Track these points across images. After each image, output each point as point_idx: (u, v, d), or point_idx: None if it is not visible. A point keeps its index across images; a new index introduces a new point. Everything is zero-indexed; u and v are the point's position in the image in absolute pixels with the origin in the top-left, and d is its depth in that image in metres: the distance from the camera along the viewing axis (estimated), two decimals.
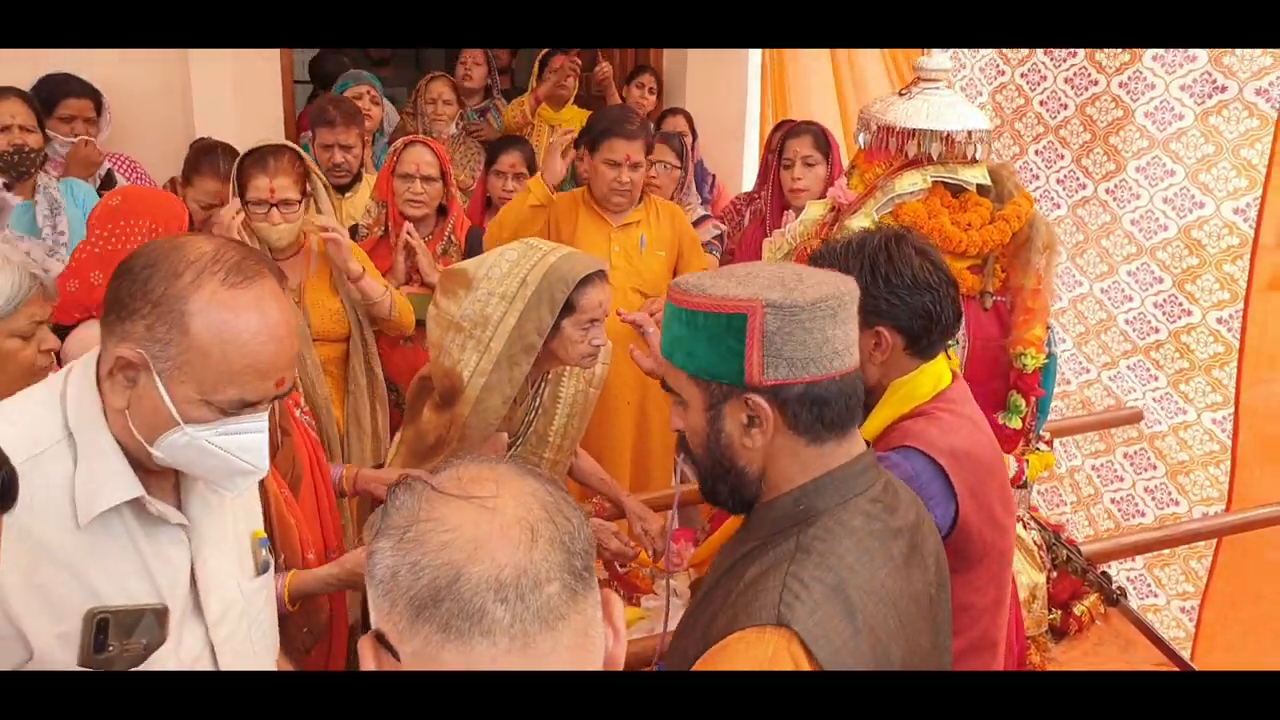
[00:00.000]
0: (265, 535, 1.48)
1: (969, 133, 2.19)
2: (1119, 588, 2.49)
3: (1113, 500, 3.68)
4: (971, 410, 1.75)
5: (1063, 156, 3.62)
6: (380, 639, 0.78)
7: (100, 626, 1.22)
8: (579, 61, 4.44)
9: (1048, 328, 2.27)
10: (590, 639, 0.80)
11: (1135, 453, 3.57)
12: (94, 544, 1.22)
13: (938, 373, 1.73)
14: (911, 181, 2.20)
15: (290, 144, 2.67)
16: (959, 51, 3.87)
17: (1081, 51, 3.49)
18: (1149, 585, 3.54)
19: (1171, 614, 3.51)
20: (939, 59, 2.26)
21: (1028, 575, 2.37)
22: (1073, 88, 3.56)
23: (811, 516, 1.18)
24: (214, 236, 1.28)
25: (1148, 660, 2.40)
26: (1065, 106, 3.60)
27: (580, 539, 0.80)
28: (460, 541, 0.75)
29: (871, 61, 4.39)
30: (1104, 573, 2.46)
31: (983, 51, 3.86)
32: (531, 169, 3.52)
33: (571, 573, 0.78)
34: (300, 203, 2.66)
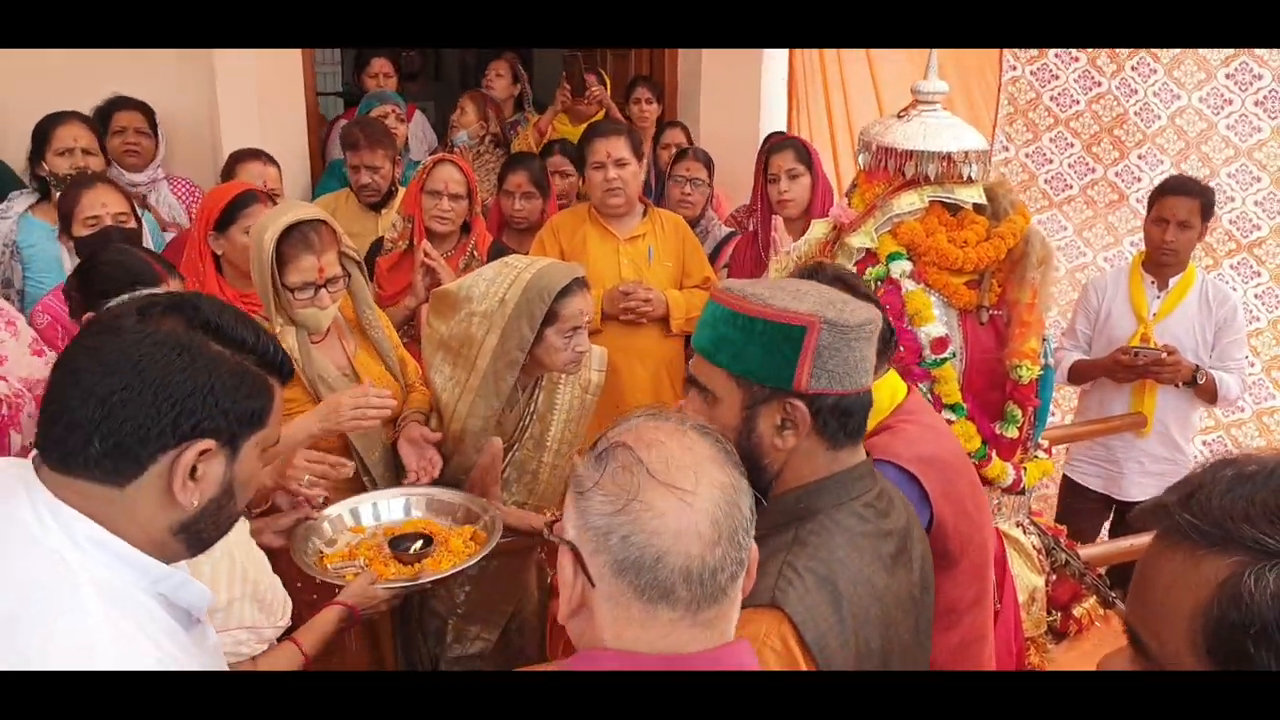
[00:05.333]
0: None
1: (965, 153, 2.29)
2: (1117, 591, 2.57)
3: None
4: (931, 418, 1.87)
5: (1162, 162, 3.85)
6: (579, 561, 0.99)
7: None
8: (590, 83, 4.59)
9: (1043, 340, 2.36)
10: (736, 602, 1.02)
11: (1213, 440, 3.79)
12: None
13: (892, 387, 1.84)
14: (909, 201, 2.29)
15: (320, 213, 2.32)
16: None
17: (1161, 68, 3.78)
18: None
19: None
20: (935, 81, 2.35)
21: (1027, 579, 2.45)
22: (1161, 100, 3.82)
23: (809, 514, 1.30)
24: None
25: None
26: (1158, 118, 3.85)
27: (749, 524, 1.01)
28: (666, 531, 0.95)
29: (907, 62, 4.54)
30: (1101, 575, 2.53)
31: (1076, 64, 4.10)
32: (539, 187, 3.63)
33: (737, 562, 0.99)
34: (344, 278, 2.33)
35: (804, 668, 1.17)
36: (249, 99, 3.99)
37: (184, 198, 3.74)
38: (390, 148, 3.64)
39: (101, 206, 2.75)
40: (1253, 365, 3.65)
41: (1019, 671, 1.79)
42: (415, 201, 3.21)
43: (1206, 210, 3.15)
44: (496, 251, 3.31)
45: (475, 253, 3.30)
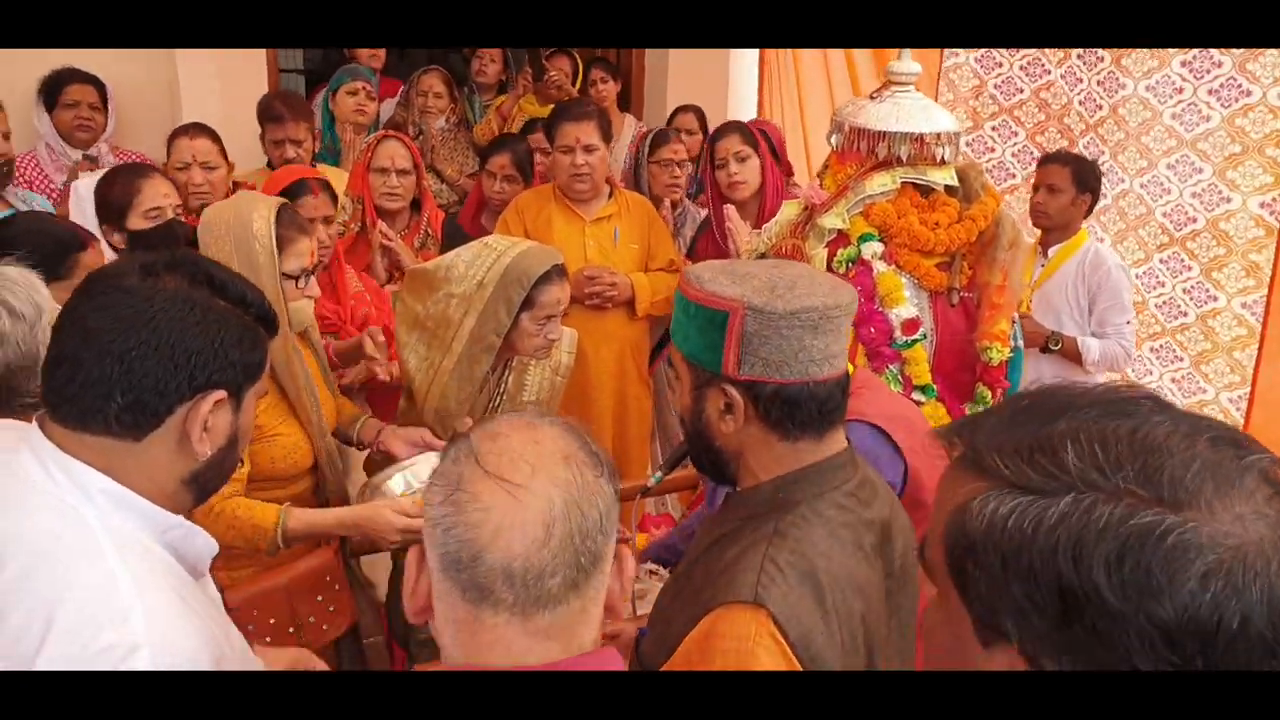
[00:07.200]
0: None
1: (938, 135, 2.27)
2: None
3: None
4: (881, 385, 1.90)
5: (1103, 153, 3.83)
6: (423, 554, 0.93)
7: None
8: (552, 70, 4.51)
9: (1012, 322, 2.35)
10: (588, 611, 0.91)
11: None
12: None
13: None
14: (881, 183, 2.27)
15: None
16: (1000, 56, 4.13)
17: (1108, 56, 3.75)
18: None
19: None
20: (909, 63, 2.34)
21: None
22: (1104, 89, 3.81)
23: (789, 505, 1.27)
24: None
25: None
26: (1100, 107, 3.84)
27: (596, 531, 0.89)
28: (487, 525, 0.86)
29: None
30: None
31: (1022, 52, 4.09)
32: (521, 170, 3.56)
33: (576, 566, 0.88)
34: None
35: (795, 666, 1.14)
36: (210, 75, 3.89)
37: None
38: (310, 120, 3.47)
39: (164, 197, 2.55)
40: (1180, 359, 3.71)
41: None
42: (363, 182, 3.15)
43: (1080, 179, 3.30)
44: (450, 228, 3.27)
45: (429, 230, 3.26)
